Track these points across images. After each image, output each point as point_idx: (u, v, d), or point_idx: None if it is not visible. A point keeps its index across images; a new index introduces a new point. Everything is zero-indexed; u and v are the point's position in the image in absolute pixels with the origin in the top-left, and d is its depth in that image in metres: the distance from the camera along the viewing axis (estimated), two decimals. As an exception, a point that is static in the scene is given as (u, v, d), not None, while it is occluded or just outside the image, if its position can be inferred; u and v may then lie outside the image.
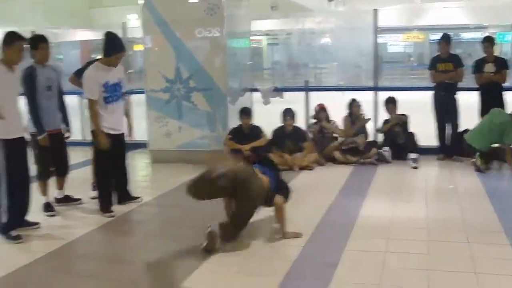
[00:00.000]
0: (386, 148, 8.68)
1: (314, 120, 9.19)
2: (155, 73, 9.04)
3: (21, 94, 5.84)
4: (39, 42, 6.20)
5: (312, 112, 9.31)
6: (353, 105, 9.03)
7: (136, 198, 6.81)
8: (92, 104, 6.12)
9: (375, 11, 9.49)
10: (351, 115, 9.01)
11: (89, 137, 6.63)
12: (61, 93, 6.50)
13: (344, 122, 9.01)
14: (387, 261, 4.72)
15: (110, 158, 6.36)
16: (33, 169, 6.07)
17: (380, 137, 9.13)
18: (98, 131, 6.13)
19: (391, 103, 8.99)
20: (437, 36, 9.88)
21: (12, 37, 5.41)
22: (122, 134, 6.57)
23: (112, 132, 6.25)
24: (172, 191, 7.33)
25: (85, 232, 5.79)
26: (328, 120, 9.08)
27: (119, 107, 6.43)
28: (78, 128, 10.59)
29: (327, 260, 4.79)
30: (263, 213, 5.90)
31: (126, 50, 6.92)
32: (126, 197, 6.73)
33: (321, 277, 4.44)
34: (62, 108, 6.54)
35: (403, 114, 8.95)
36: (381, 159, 8.54)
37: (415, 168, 8.24)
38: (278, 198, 5.34)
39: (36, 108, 6.13)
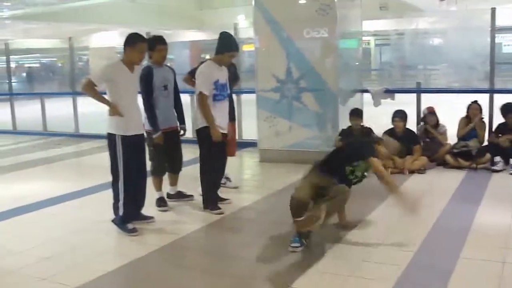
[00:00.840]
0: (498, 158, 8.20)
1: (422, 123, 8.94)
2: (266, 73, 9.11)
3: (140, 93, 6.07)
4: (156, 43, 6.39)
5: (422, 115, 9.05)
6: (471, 107, 8.65)
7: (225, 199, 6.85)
8: (203, 99, 6.19)
9: (493, 10, 9.11)
10: (468, 117, 8.66)
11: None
12: (177, 92, 6.69)
13: (459, 124, 8.69)
14: (505, 272, 4.50)
15: (215, 156, 6.47)
16: (148, 164, 6.28)
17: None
18: (212, 123, 6.19)
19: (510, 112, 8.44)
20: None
21: (135, 38, 5.60)
22: (226, 135, 6.63)
23: (220, 130, 6.35)
24: (282, 191, 7.32)
25: (197, 227, 5.93)
26: (437, 124, 8.80)
27: (225, 106, 6.54)
28: (190, 126, 10.86)
29: (440, 267, 4.65)
30: (373, 216, 5.83)
31: (239, 50, 7.01)
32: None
33: (434, 286, 4.31)
34: (178, 106, 6.72)
35: None
36: (494, 169, 8.12)
37: None
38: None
39: (152, 108, 6.33)
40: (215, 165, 6.52)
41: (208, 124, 6.22)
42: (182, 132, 6.79)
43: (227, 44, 6.32)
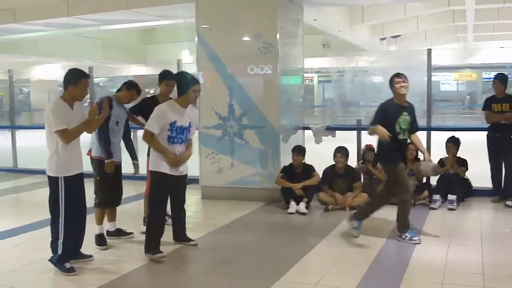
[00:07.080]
0: (437, 197, 8.36)
1: (361, 161, 9.09)
2: (208, 109, 9.11)
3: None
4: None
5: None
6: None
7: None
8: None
9: (429, 50, 9.44)
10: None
11: (143, 172, 6.71)
12: (128, 130, 6.74)
13: None
14: (442, 307, 4.61)
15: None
16: (92, 198, 6.22)
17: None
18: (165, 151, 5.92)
19: (450, 142, 8.75)
20: (491, 75, 9.74)
21: (78, 75, 5.51)
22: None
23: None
24: (224, 228, 7.33)
25: (137, 266, 5.83)
26: (376, 161, 8.95)
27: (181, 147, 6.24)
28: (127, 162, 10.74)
29: (379, 304, 4.72)
30: (314, 253, 5.84)
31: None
32: None
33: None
34: (130, 143, 6.86)
35: (463, 162, 8.71)
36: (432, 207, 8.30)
37: (452, 209, 8.08)
38: None
39: (108, 136, 6.35)
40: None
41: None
42: (135, 170, 6.85)
43: (186, 81, 5.99)
